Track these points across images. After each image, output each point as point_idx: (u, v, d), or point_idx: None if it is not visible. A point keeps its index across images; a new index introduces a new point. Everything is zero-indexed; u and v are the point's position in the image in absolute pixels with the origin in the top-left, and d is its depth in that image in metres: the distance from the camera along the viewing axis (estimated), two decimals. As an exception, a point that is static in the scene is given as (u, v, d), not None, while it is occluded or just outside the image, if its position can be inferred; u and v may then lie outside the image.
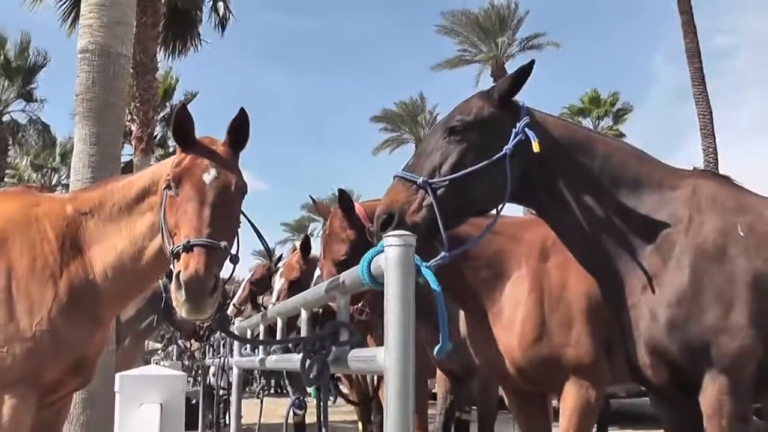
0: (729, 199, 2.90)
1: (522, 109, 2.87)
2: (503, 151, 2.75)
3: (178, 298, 2.63)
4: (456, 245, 2.75)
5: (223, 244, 2.69)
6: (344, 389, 6.86)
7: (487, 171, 2.74)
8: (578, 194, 2.88)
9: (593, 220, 2.87)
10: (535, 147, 2.72)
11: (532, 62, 2.84)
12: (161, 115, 23.34)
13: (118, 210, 3.17)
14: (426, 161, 2.78)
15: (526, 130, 2.78)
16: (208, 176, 2.82)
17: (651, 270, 2.78)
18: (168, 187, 2.88)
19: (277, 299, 6.04)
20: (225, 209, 2.81)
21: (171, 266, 2.76)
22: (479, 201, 2.86)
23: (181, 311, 2.65)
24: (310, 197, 4.56)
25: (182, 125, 2.95)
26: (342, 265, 3.47)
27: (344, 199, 3.93)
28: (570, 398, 3.49)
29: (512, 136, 2.78)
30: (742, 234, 2.78)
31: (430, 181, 2.70)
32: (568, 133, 2.96)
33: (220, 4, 18.51)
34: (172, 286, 2.65)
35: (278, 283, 6.33)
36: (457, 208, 2.78)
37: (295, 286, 5.83)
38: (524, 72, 2.82)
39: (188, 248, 2.63)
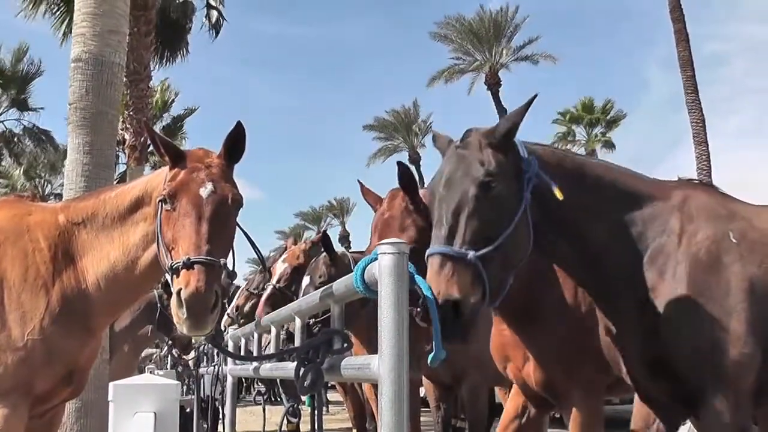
0: (719, 207, 2.90)
1: (521, 146, 2.66)
2: (524, 202, 2.57)
3: (179, 315, 2.62)
4: None
5: (222, 261, 2.70)
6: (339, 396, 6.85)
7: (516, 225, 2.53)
8: (573, 219, 2.78)
9: (589, 240, 2.81)
10: (558, 194, 2.56)
11: (534, 96, 2.69)
12: (159, 125, 23.37)
13: (111, 220, 3.15)
14: (465, 228, 2.45)
15: (541, 174, 2.63)
16: (205, 191, 2.80)
17: (648, 282, 2.76)
18: (163, 200, 2.86)
19: (278, 282, 6.06)
20: (222, 223, 2.80)
21: (169, 281, 2.75)
22: (516, 258, 2.62)
23: (182, 328, 2.65)
24: (358, 181, 3.85)
25: (166, 144, 2.95)
26: (411, 254, 3.09)
27: (406, 175, 3.37)
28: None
29: (526, 183, 2.59)
30: (734, 241, 2.77)
31: (479, 254, 2.39)
32: (557, 160, 2.82)
33: (213, 12, 18.52)
34: (173, 303, 2.65)
35: (280, 267, 6.26)
36: (504, 271, 2.55)
37: (297, 273, 5.87)
38: (525, 109, 2.66)
39: (188, 265, 2.63)
